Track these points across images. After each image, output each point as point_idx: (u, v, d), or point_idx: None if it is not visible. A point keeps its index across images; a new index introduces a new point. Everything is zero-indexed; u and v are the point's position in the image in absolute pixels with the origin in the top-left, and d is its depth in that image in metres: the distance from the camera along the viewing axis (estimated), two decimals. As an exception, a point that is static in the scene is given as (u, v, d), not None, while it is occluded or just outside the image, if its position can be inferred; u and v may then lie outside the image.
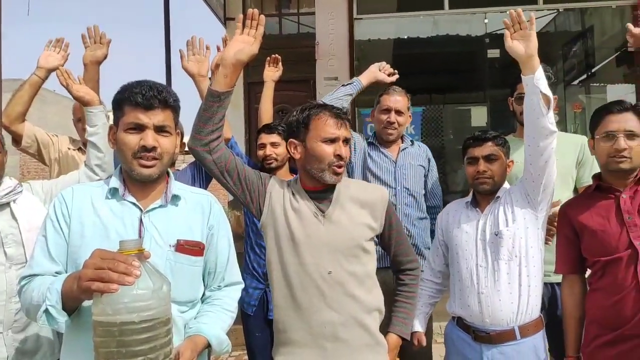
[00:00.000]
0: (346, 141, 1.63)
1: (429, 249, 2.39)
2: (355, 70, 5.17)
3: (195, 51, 2.27)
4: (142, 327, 1.02)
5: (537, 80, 1.75)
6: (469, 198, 2.07)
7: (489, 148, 1.96)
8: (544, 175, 1.85)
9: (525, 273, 1.86)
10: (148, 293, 1.04)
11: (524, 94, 1.86)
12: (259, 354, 2.42)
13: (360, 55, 5.46)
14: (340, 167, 1.60)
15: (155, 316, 1.04)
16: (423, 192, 2.60)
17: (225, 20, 6.48)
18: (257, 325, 2.43)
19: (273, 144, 2.46)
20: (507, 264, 1.86)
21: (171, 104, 1.39)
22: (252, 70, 6.02)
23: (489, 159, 1.95)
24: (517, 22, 1.75)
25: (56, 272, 1.30)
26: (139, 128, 1.35)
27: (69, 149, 2.73)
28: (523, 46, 1.74)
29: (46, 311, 1.17)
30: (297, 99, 6.26)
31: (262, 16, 1.58)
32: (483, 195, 2.00)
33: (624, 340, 1.66)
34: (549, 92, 1.77)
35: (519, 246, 1.87)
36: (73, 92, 2.09)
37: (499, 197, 1.97)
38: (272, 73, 2.78)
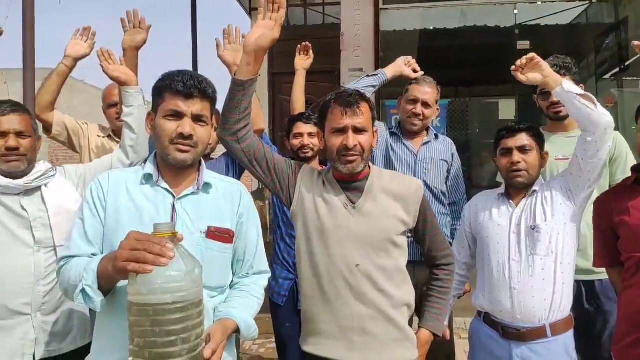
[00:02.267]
0: (358, 130, 1.57)
1: (450, 244, 2.37)
2: (380, 61, 5.11)
3: (232, 40, 2.27)
4: (175, 307, 1.05)
5: (567, 88, 1.80)
6: (501, 190, 2.02)
7: (523, 139, 1.91)
8: (595, 171, 1.82)
9: (560, 270, 1.82)
10: (181, 275, 1.07)
11: (546, 89, 1.93)
12: (289, 344, 2.41)
13: (385, 46, 5.39)
14: (349, 156, 1.57)
15: (188, 297, 1.07)
16: (444, 187, 2.56)
17: (251, 10, 6.47)
18: (287, 315, 2.43)
19: (310, 134, 2.43)
20: (543, 260, 1.82)
21: (209, 95, 1.41)
22: (276, 61, 6.02)
23: (523, 150, 1.90)
24: (524, 65, 1.86)
25: (92, 254, 1.33)
26: (178, 115, 1.37)
27: (98, 136, 2.77)
28: (537, 73, 1.84)
29: (83, 290, 1.20)
30: (322, 90, 6.20)
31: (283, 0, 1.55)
32: (516, 188, 1.95)
33: None
34: (583, 91, 1.80)
35: (556, 242, 1.82)
36: (109, 73, 2.10)
37: (535, 190, 1.92)
38: (303, 61, 2.77)
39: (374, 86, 2.43)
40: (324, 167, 2.52)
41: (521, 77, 1.85)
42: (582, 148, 1.82)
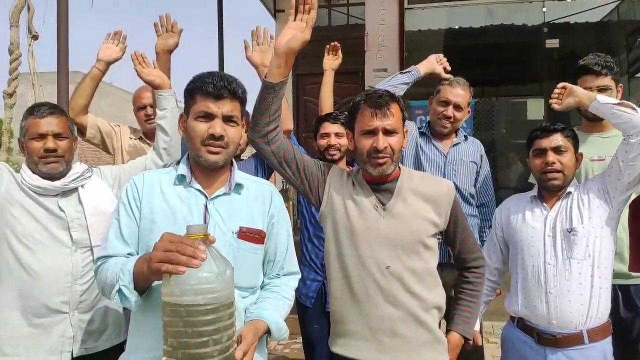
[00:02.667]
0: (388, 131, 1.55)
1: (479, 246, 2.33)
2: (405, 61, 5.06)
3: (260, 41, 2.27)
4: (207, 308, 1.06)
5: (602, 101, 1.88)
6: (533, 192, 1.97)
7: (557, 139, 1.86)
8: (635, 174, 1.77)
9: (598, 274, 1.76)
10: (213, 276, 1.07)
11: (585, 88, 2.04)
12: (317, 346, 2.40)
13: (410, 46, 5.34)
14: (379, 158, 1.54)
15: (219, 299, 1.07)
16: (473, 189, 2.52)
17: (275, 12, 6.50)
18: (315, 317, 2.42)
19: (337, 134, 2.41)
20: (580, 264, 1.77)
21: (239, 95, 1.42)
22: (300, 62, 6.03)
23: (558, 150, 1.85)
24: (561, 93, 2.03)
25: (128, 254, 1.35)
26: (208, 117, 1.38)
27: (130, 138, 2.81)
28: (571, 98, 1.99)
29: (119, 290, 1.23)
30: (346, 91, 6.20)
31: (315, 0, 1.53)
32: (550, 190, 1.90)
33: None
34: (618, 100, 1.87)
35: (593, 245, 1.77)
36: (143, 76, 2.13)
37: (570, 192, 1.87)
38: (331, 62, 2.75)
39: (407, 83, 2.39)
40: (351, 167, 2.51)
41: (557, 107, 2.02)
42: (624, 149, 1.78)
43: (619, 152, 1.80)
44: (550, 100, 2.04)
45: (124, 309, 1.89)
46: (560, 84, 2.01)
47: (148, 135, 2.78)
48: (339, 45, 2.76)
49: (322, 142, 2.45)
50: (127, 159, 2.69)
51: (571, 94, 1.98)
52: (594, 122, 2.26)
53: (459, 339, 1.66)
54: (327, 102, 2.71)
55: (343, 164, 2.49)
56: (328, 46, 2.75)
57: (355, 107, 1.61)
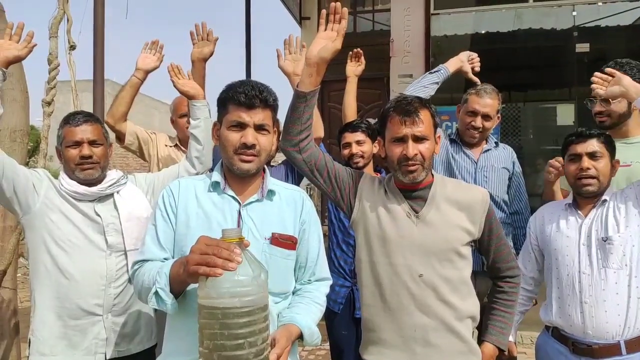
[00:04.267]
0: (418, 138, 1.53)
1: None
2: (430, 67, 5.03)
3: (292, 50, 2.29)
4: (242, 311, 1.07)
5: None
6: (568, 200, 1.94)
7: (593, 145, 1.82)
8: None
9: (635, 284, 1.72)
10: (248, 279, 1.09)
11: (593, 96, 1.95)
12: (346, 352, 2.39)
13: (436, 51, 5.31)
14: (409, 166, 1.53)
15: (254, 302, 1.09)
16: (506, 196, 2.47)
17: (301, 19, 6.55)
18: (343, 323, 2.41)
19: (358, 142, 2.41)
20: (616, 273, 1.73)
21: (271, 104, 1.43)
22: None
23: (593, 156, 1.82)
24: (605, 80, 1.87)
25: (164, 258, 1.38)
26: (241, 126, 1.40)
27: (165, 145, 2.87)
28: (618, 87, 1.83)
29: (156, 293, 1.25)
30: (371, 97, 6.21)
31: (345, 10, 1.55)
32: (585, 198, 1.86)
33: None
34: None
35: (631, 254, 1.73)
36: (179, 87, 2.18)
37: (605, 199, 1.82)
38: (354, 68, 2.75)
39: (437, 82, 2.36)
40: (379, 174, 2.50)
41: (600, 91, 1.86)
42: None
43: None
44: (593, 86, 1.89)
45: (156, 313, 1.92)
46: (609, 69, 1.87)
47: (184, 142, 2.82)
48: (361, 51, 2.76)
49: (345, 152, 2.46)
50: (161, 166, 2.74)
51: (618, 83, 1.83)
52: (618, 128, 2.17)
53: (492, 350, 1.63)
54: (350, 109, 2.70)
55: (370, 169, 2.49)
56: (351, 53, 2.74)
57: (384, 115, 1.61)
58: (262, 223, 1.41)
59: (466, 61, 2.45)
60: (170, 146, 2.86)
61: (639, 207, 1.77)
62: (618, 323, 1.71)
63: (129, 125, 2.69)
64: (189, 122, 2.73)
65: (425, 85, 2.32)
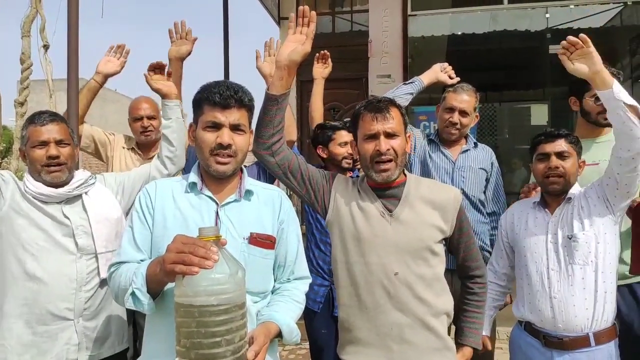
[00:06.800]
0: (390, 134, 1.56)
1: (489, 252, 2.32)
2: (408, 67, 5.09)
3: (272, 52, 2.29)
4: (219, 309, 1.07)
5: (617, 94, 1.64)
6: (536, 198, 1.99)
7: (561, 145, 1.88)
8: (633, 184, 1.76)
9: (602, 279, 1.78)
10: (225, 277, 1.09)
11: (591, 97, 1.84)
12: (325, 350, 2.41)
13: (414, 52, 5.37)
14: (382, 162, 1.55)
15: (231, 300, 1.09)
16: (482, 196, 2.52)
17: (280, 19, 6.55)
18: (323, 322, 2.42)
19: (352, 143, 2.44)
20: (582, 269, 1.78)
21: (246, 104, 1.44)
22: (304, 68, 6.06)
23: (561, 156, 1.87)
24: (572, 45, 1.66)
25: (141, 260, 1.37)
26: (216, 126, 1.40)
27: (123, 147, 2.84)
28: (586, 64, 1.66)
29: (132, 294, 1.24)
30: (350, 98, 6.25)
31: (313, 13, 1.57)
32: (552, 196, 1.91)
33: None
34: (633, 102, 1.67)
35: (595, 251, 1.78)
36: (151, 84, 2.14)
37: (570, 198, 1.88)
38: (321, 70, 2.75)
39: (411, 94, 2.42)
40: (351, 173, 2.52)
41: (567, 62, 1.67)
42: (618, 162, 1.74)
43: (613, 164, 1.76)
44: (559, 51, 1.67)
45: (128, 316, 1.90)
46: (582, 36, 1.63)
47: (141, 146, 2.83)
48: (328, 53, 2.76)
49: (341, 150, 2.45)
50: (117, 168, 2.72)
51: (589, 59, 1.63)
52: (596, 128, 2.21)
53: (470, 352, 1.67)
54: (317, 111, 2.71)
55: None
56: (317, 55, 2.73)
57: (356, 115, 1.64)
58: (240, 223, 1.41)
59: (440, 72, 2.51)
60: (127, 149, 2.83)
61: (602, 205, 1.82)
62: (586, 317, 1.76)
63: (85, 127, 2.67)
64: (143, 127, 2.73)
65: (399, 96, 2.36)
